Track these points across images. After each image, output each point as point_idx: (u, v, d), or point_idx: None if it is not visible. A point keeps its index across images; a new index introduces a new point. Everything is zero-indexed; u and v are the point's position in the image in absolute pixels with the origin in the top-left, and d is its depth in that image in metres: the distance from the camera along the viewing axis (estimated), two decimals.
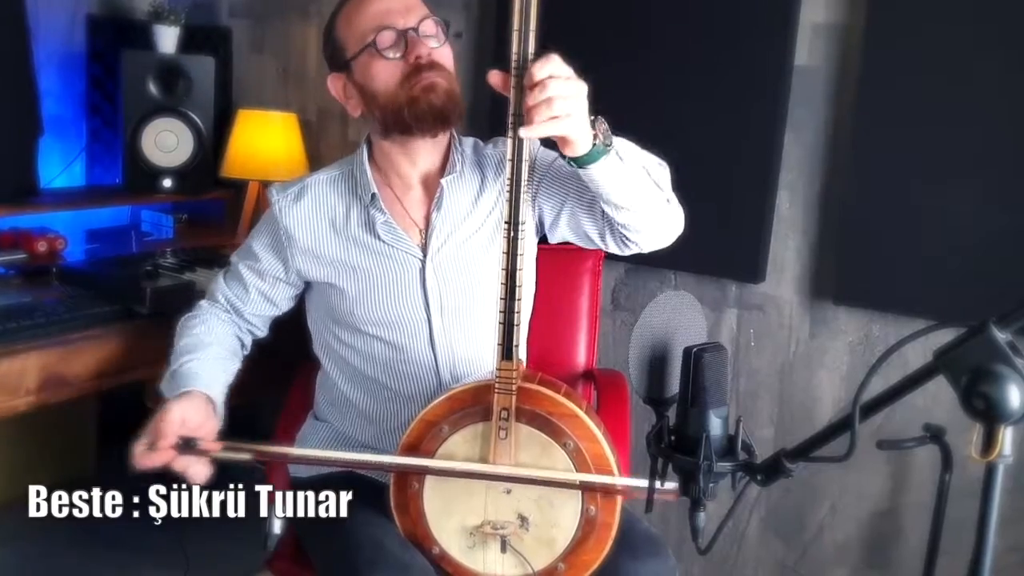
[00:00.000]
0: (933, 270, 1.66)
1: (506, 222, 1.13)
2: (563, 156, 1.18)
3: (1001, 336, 0.78)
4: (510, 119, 1.10)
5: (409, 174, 1.43)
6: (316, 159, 2.36)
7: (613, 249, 1.40)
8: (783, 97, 1.79)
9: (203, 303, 1.51)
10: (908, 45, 1.65)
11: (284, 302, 1.51)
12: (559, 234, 1.45)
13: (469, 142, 1.48)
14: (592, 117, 1.13)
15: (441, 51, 1.35)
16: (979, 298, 1.59)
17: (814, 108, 1.80)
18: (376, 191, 1.41)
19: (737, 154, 1.82)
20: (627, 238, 1.34)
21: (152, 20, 2.37)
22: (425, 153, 1.41)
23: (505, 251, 1.14)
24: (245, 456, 1.20)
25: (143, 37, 2.39)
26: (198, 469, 1.21)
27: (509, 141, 1.11)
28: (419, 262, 1.41)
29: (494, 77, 1.12)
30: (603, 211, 1.32)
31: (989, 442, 0.77)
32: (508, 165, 1.12)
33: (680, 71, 1.86)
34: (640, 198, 1.26)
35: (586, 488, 1.18)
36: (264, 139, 2.28)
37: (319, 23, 2.42)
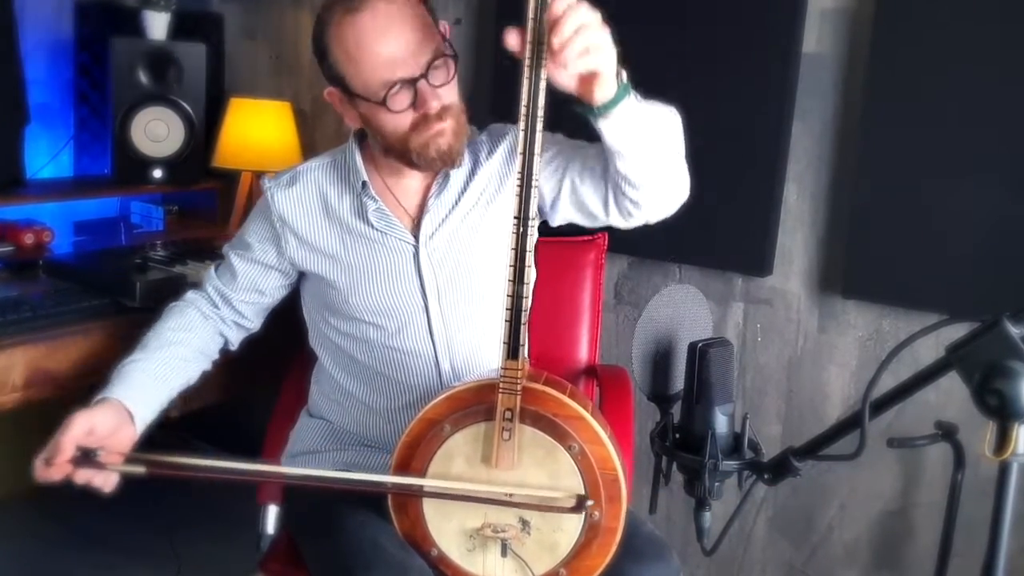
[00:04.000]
0: (945, 263, 1.64)
1: (515, 217, 1.10)
2: (581, 109, 1.14)
3: (1015, 331, 0.78)
4: (522, 111, 1.06)
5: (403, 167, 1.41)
6: (311, 149, 2.33)
7: (615, 220, 1.36)
8: (791, 85, 1.77)
9: (190, 293, 1.50)
10: (918, 31, 1.62)
11: (274, 291, 1.49)
12: (560, 214, 1.42)
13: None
14: None
15: (449, 88, 1.30)
16: (992, 292, 1.59)
17: (823, 96, 1.77)
18: (367, 179, 1.40)
19: (743, 144, 1.80)
20: (633, 204, 1.30)
21: (142, 6, 2.33)
22: None
23: (513, 247, 1.11)
24: (140, 469, 1.15)
25: (132, 23, 2.36)
26: (102, 480, 1.18)
27: (521, 134, 1.07)
28: (412, 248, 1.40)
29: (511, 38, 1.05)
30: (609, 176, 1.28)
31: (1003, 440, 0.78)
32: (519, 159, 1.08)
33: (684, 58, 1.84)
34: (657, 153, 1.23)
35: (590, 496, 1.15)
36: (257, 128, 2.26)
37: (313, 9, 2.39)
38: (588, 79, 1.09)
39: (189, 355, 1.40)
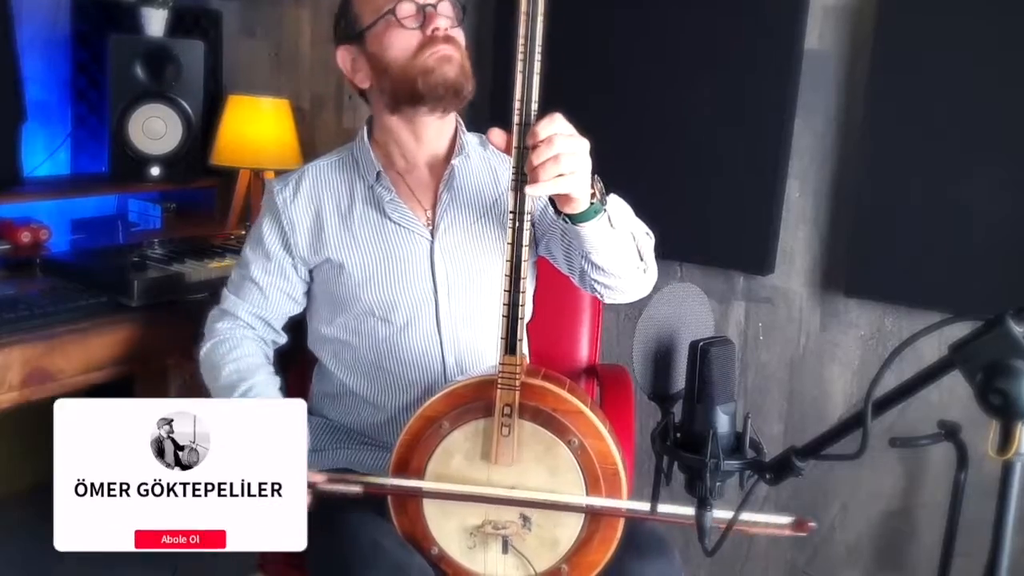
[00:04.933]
0: (948, 261, 1.63)
1: (511, 212, 1.11)
2: (556, 210, 1.20)
3: (1019, 329, 0.77)
4: (516, 105, 1.08)
5: (414, 153, 1.42)
6: (310, 147, 2.32)
7: (581, 287, 1.42)
8: (793, 82, 1.76)
9: (220, 326, 1.48)
10: (921, 28, 1.62)
11: (302, 297, 1.50)
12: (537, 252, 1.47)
13: (475, 137, 1.47)
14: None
15: (456, 30, 1.36)
16: (995, 290, 1.58)
17: (825, 93, 1.77)
18: (381, 169, 1.40)
19: (745, 141, 1.79)
20: (595, 288, 1.37)
21: (140, 2, 2.33)
22: (431, 131, 1.41)
23: (510, 242, 1.12)
24: (355, 489, 1.20)
25: (130, 20, 2.35)
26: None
27: (515, 130, 1.09)
28: (427, 242, 1.41)
29: (495, 136, 1.13)
30: (574, 257, 1.33)
31: (1006, 439, 0.76)
32: (515, 153, 1.10)
33: (687, 55, 1.83)
34: (620, 263, 1.29)
35: (593, 512, 1.15)
36: (255, 126, 2.25)
37: (312, 5, 2.40)
38: (561, 196, 1.14)
39: (271, 372, 1.44)
